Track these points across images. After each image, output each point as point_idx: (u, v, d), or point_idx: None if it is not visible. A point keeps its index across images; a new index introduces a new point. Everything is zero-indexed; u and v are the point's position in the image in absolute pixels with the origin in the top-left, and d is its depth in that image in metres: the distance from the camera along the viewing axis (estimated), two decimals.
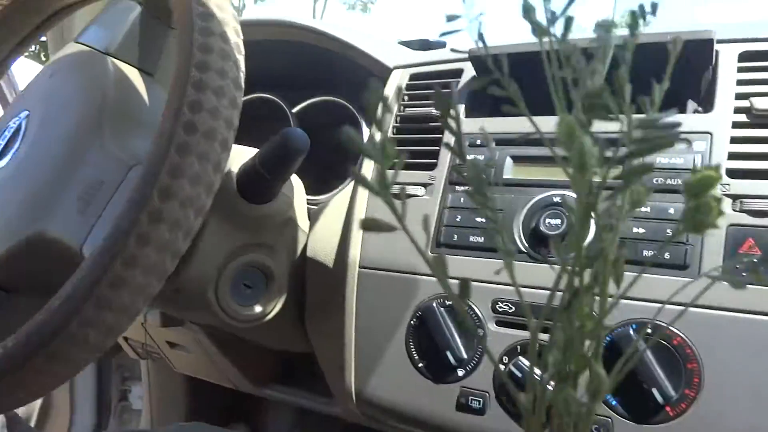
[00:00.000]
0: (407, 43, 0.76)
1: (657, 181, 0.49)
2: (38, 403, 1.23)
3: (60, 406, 1.23)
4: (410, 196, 0.59)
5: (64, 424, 1.21)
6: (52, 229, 0.51)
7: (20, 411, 1.08)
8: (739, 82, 0.51)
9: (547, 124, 0.57)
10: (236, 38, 0.49)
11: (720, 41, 0.53)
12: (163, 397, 1.17)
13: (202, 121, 0.44)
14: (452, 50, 0.71)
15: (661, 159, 0.49)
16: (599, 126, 0.55)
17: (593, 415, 0.20)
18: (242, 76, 0.49)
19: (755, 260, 0.43)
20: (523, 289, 0.50)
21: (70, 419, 1.21)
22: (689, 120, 0.51)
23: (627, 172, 0.20)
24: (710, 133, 0.49)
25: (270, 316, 0.64)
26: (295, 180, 0.65)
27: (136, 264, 0.42)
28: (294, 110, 0.80)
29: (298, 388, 0.88)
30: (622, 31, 0.23)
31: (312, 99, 0.79)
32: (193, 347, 0.93)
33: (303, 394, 0.86)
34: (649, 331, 0.45)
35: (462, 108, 0.61)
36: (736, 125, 0.49)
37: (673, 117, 0.51)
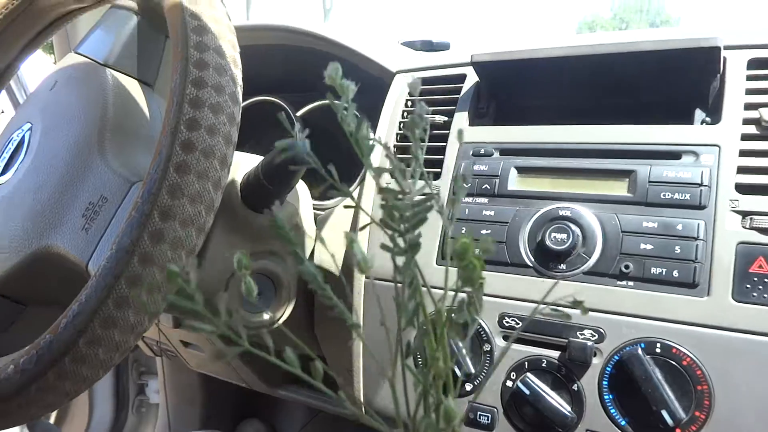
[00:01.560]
0: (410, 44, 0.75)
1: (664, 195, 0.47)
2: None
3: (79, 401, 1.25)
4: None
5: (83, 418, 1.23)
6: (58, 245, 0.51)
7: None
8: (748, 92, 0.49)
9: (554, 133, 0.57)
10: (232, 52, 0.49)
11: (727, 47, 0.51)
12: (179, 392, 1.19)
13: (200, 139, 0.44)
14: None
15: (668, 173, 0.48)
16: (597, 136, 0.53)
17: None
18: (239, 90, 0.48)
19: (766, 279, 0.42)
20: (531, 305, 0.50)
21: (89, 414, 1.23)
22: (696, 132, 0.50)
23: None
24: (718, 146, 0.48)
25: (279, 323, 0.64)
26: (301, 186, 0.65)
27: (140, 283, 0.42)
28: (299, 113, 0.79)
29: (311, 389, 0.89)
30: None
31: (316, 102, 0.79)
32: (205, 347, 0.94)
33: (316, 394, 0.87)
34: (658, 350, 0.44)
35: (465, 115, 0.60)
36: (745, 137, 0.47)
37: (679, 128, 0.49)
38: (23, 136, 0.59)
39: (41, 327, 0.45)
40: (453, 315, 0.23)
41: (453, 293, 0.23)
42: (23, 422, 0.49)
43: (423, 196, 0.23)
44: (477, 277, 0.21)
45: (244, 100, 0.61)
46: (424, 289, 0.24)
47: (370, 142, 0.24)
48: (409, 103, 0.64)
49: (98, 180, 0.51)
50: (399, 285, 0.24)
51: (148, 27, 0.59)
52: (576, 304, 0.22)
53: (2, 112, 1.21)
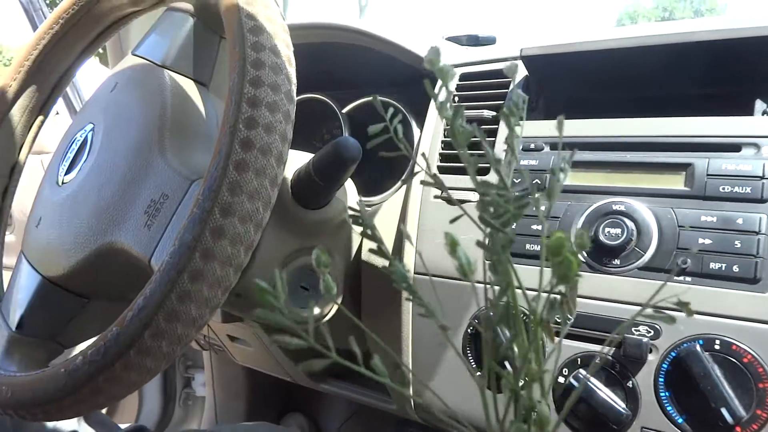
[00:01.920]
0: (455, 39, 0.75)
1: (723, 188, 0.46)
2: None
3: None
4: (463, 201, 0.58)
5: (133, 410, 1.27)
6: (121, 241, 0.53)
7: None
8: None
9: (605, 127, 0.56)
10: (287, 51, 0.50)
11: None
12: (225, 386, 1.21)
13: (258, 137, 0.45)
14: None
15: (727, 165, 0.47)
16: (652, 129, 0.52)
17: None
18: (294, 89, 0.49)
19: None
20: (584, 300, 0.49)
21: (139, 406, 1.27)
22: (757, 123, 0.48)
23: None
24: None
25: (327, 318, 0.65)
26: (348, 183, 0.66)
27: (202, 278, 0.43)
28: (344, 110, 0.80)
29: (354, 384, 0.90)
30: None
31: (362, 99, 0.79)
32: (252, 341, 0.96)
33: (360, 390, 0.88)
34: (717, 347, 0.44)
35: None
36: None
37: (739, 120, 0.48)
38: (86, 136, 0.62)
39: (103, 321, 0.47)
40: (545, 314, 0.23)
41: (544, 294, 0.23)
42: (91, 411, 0.51)
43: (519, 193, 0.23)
44: (573, 274, 0.21)
45: None
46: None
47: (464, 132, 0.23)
48: (456, 99, 0.65)
49: (159, 178, 0.53)
50: (483, 285, 0.24)
51: (203, 28, 0.61)
52: (682, 305, 0.21)
53: (57, 113, 1.26)
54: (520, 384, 0.23)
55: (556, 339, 0.24)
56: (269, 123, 0.46)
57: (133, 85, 0.61)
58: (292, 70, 0.50)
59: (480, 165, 0.25)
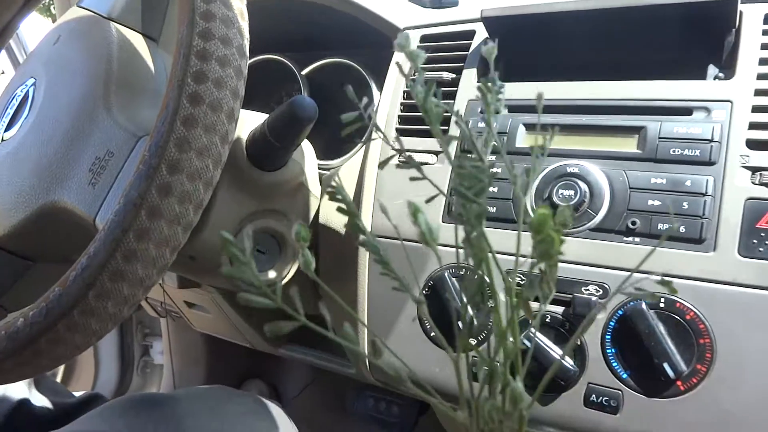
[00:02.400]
0: (418, 1, 0.74)
1: (674, 151, 0.47)
2: None
3: (84, 361, 1.27)
4: (422, 164, 0.58)
5: (89, 379, 1.25)
6: (64, 200, 0.51)
7: None
8: (764, 46, 0.48)
9: (563, 90, 0.56)
10: (239, 4, 0.48)
11: (744, 1, 0.50)
12: (183, 353, 1.20)
13: (207, 92, 0.43)
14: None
15: (678, 129, 0.47)
16: (607, 93, 0.53)
17: (525, 422, 0.22)
18: (246, 44, 0.47)
19: None
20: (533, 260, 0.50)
21: (95, 374, 1.25)
22: (709, 87, 0.49)
23: None
24: (731, 102, 0.47)
25: (284, 281, 0.65)
26: (306, 145, 0.64)
27: (149, 237, 0.42)
28: (303, 72, 0.79)
29: (313, 349, 0.90)
30: None
31: (321, 61, 0.78)
32: (210, 307, 0.95)
33: (319, 354, 0.88)
34: (662, 305, 0.45)
35: (473, 72, 0.59)
36: (758, 93, 0.47)
37: (691, 84, 0.49)
38: (27, 91, 0.59)
39: (48, 283, 0.45)
40: (524, 291, 0.22)
41: (527, 262, 0.22)
42: (36, 373, 0.49)
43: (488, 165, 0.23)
44: (555, 251, 0.20)
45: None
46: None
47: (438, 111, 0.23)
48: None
49: (104, 134, 0.51)
50: (445, 249, 0.24)
51: None
52: (665, 284, 0.21)
53: (2, 72, 1.20)
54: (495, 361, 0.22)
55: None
56: (219, 78, 0.44)
57: (77, 37, 0.58)
58: (244, 24, 0.48)
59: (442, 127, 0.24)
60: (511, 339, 0.23)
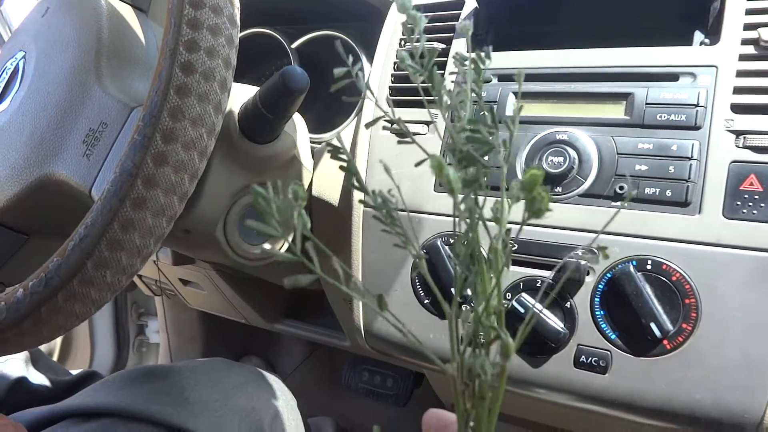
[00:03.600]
0: None
1: (661, 116, 0.48)
2: (60, 338, 1.28)
3: (80, 341, 1.27)
4: (414, 135, 0.58)
5: (85, 357, 1.26)
6: (59, 172, 0.51)
7: (43, 346, 1.13)
8: (748, 12, 0.49)
9: (552, 58, 0.57)
10: None
11: None
12: (179, 331, 1.21)
13: (200, 61, 0.44)
14: None
15: (665, 94, 0.48)
16: (595, 60, 0.53)
17: (506, 372, 0.23)
18: (237, 13, 0.47)
19: (756, 197, 0.43)
20: (526, 227, 0.51)
21: (91, 353, 1.26)
22: (694, 53, 0.50)
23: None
24: (716, 67, 0.48)
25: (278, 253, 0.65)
26: (298, 118, 0.65)
27: (145, 206, 0.42)
28: (293, 45, 0.78)
29: (308, 323, 0.91)
30: None
31: (311, 34, 0.77)
32: (205, 284, 0.95)
33: (313, 328, 0.89)
34: (649, 267, 0.46)
35: (463, 42, 0.59)
36: (743, 58, 0.47)
37: (677, 50, 0.49)
38: (17, 64, 0.58)
39: (44, 258, 0.45)
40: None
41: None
42: (37, 344, 0.50)
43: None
44: (545, 209, 0.21)
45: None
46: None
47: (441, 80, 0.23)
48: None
49: (97, 106, 0.51)
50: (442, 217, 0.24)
51: None
52: (600, 249, 0.22)
53: None
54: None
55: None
56: (211, 47, 0.44)
57: (66, 9, 0.58)
58: None
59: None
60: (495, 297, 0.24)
